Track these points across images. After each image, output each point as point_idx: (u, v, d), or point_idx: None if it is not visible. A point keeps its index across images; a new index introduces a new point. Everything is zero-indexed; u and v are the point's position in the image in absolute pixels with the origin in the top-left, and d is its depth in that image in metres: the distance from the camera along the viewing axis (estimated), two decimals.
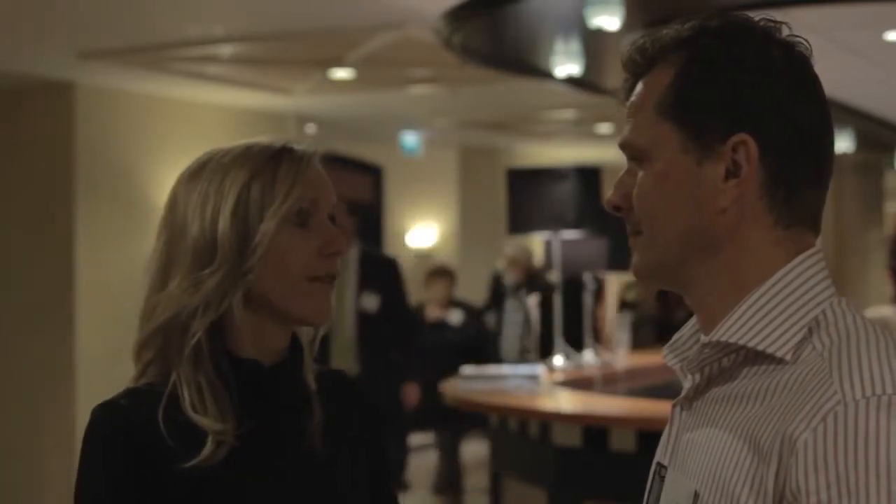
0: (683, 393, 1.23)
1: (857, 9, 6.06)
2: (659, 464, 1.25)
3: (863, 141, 11.04)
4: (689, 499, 1.15)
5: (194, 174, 1.48)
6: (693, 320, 1.26)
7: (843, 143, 10.84)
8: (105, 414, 1.43)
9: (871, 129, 10.60)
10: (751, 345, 1.14)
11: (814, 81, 1.19)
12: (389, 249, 12.66)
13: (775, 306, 1.14)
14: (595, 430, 4.52)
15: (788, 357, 1.12)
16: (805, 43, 1.19)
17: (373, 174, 12.14)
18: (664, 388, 6.35)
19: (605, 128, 11.25)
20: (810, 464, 1.02)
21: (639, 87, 1.22)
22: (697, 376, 1.20)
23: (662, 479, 1.24)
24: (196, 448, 1.39)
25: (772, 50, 1.17)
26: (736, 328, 1.15)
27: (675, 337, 1.28)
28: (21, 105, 8.17)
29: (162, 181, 8.01)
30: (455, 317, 8.25)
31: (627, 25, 5.65)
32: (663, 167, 1.18)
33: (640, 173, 1.20)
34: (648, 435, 4.38)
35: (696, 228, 1.17)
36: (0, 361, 8.06)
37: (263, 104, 9.10)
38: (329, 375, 1.58)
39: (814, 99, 1.18)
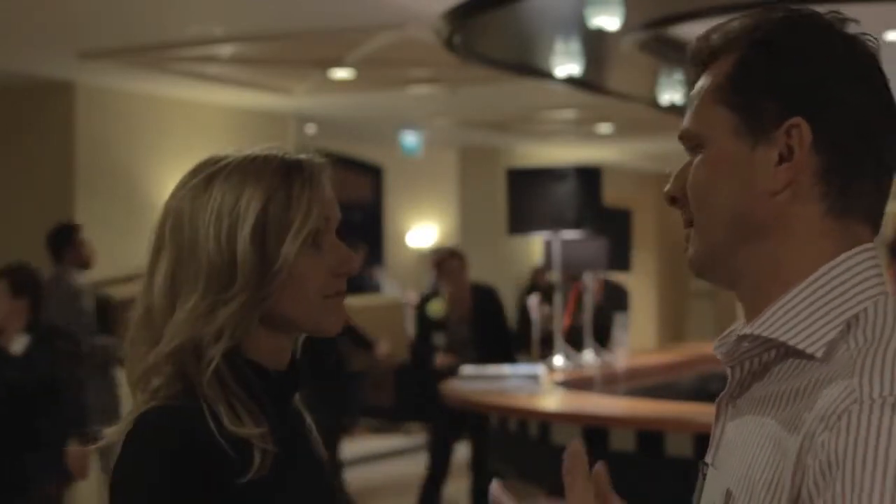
0: (727, 388, 1.21)
1: (857, 9, 6.05)
2: (703, 461, 1.25)
3: None
4: (722, 497, 1.15)
5: (201, 190, 1.44)
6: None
7: None
8: (159, 425, 1.37)
9: None
10: (782, 339, 1.12)
11: (877, 75, 1.17)
12: (390, 249, 12.68)
13: (815, 301, 1.12)
14: (595, 430, 4.52)
15: (819, 354, 1.09)
16: (872, 39, 1.18)
17: (372, 174, 12.16)
18: (664, 388, 6.35)
19: (605, 128, 11.26)
20: (825, 462, 1.02)
21: (701, 78, 1.21)
22: (738, 371, 1.19)
23: (705, 476, 1.23)
24: (247, 460, 1.37)
25: (834, 40, 1.16)
26: (771, 322, 1.13)
27: (728, 330, 1.26)
28: (21, 105, 8.17)
29: (162, 181, 8.02)
30: (19, 344, 5.16)
31: (627, 25, 5.66)
32: (716, 152, 1.17)
33: (695, 161, 1.19)
34: (648, 435, 4.38)
35: (744, 213, 1.15)
36: None
37: (263, 104, 9.10)
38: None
39: (875, 91, 1.16)
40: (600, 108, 9.45)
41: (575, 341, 6.54)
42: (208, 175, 1.45)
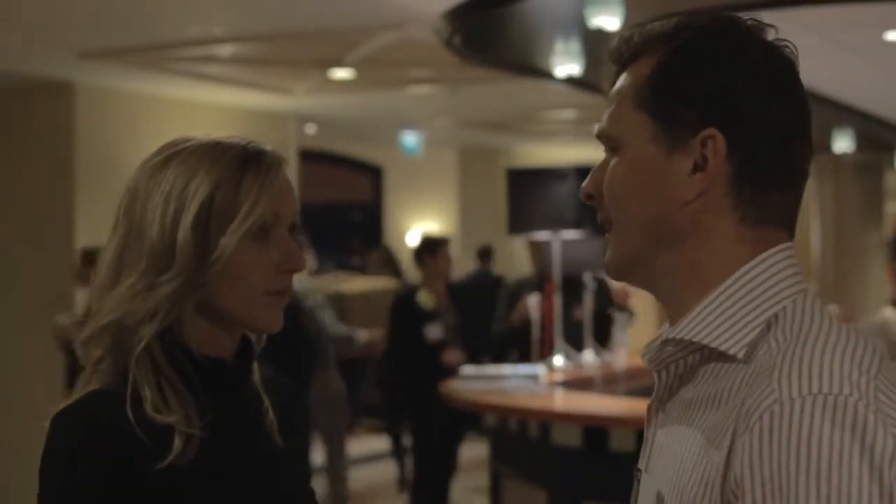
0: (655, 393, 1.23)
1: (857, 9, 6.06)
2: (636, 467, 1.25)
3: (863, 141, 11.04)
4: (654, 499, 1.15)
5: (158, 169, 1.44)
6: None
7: (843, 143, 10.85)
8: (73, 419, 1.39)
9: (871, 129, 10.60)
10: (705, 342, 1.13)
11: (793, 85, 1.18)
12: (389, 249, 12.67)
13: (735, 303, 1.13)
14: (595, 430, 4.52)
15: (741, 355, 1.11)
16: (791, 47, 1.19)
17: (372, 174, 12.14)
18: None
19: None
20: (746, 463, 1.02)
21: (621, 78, 1.23)
22: (664, 375, 1.20)
23: (639, 481, 1.24)
24: (166, 446, 1.37)
25: (752, 49, 1.17)
26: (693, 325, 1.14)
27: (654, 336, 1.27)
28: (21, 105, 8.17)
29: None
30: None
31: (627, 25, 5.65)
32: (633, 156, 1.18)
33: (612, 162, 1.21)
34: None
35: (658, 219, 1.17)
36: (0, 361, 8.06)
37: (263, 104, 9.10)
38: (268, 376, 1.59)
39: (790, 102, 1.17)
40: (600, 108, 9.39)
41: (574, 341, 6.54)
42: (168, 155, 1.45)
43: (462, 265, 12.29)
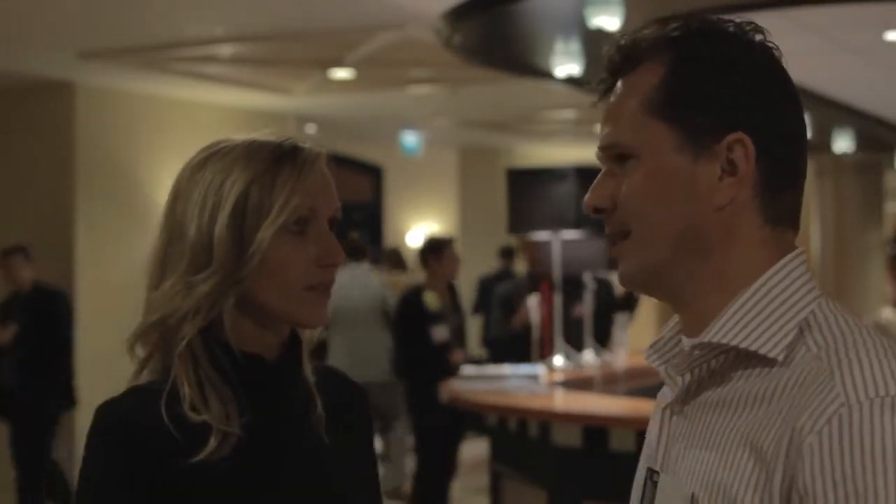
0: (673, 396, 1.22)
1: (857, 9, 6.06)
2: (650, 469, 1.24)
3: (863, 141, 11.04)
4: (686, 502, 1.15)
5: (197, 169, 1.46)
6: (673, 320, 1.25)
7: (843, 143, 10.85)
8: (107, 413, 1.42)
9: (871, 129, 10.61)
10: (743, 345, 1.13)
11: (791, 84, 1.20)
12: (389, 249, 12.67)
13: (766, 306, 1.14)
14: (595, 430, 4.52)
15: (780, 357, 1.11)
16: (776, 47, 1.20)
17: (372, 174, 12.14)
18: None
19: None
20: (816, 467, 1.02)
21: (620, 86, 1.21)
22: (687, 378, 1.19)
23: (655, 484, 1.23)
24: (201, 443, 1.39)
25: (756, 50, 1.18)
26: (727, 328, 1.14)
27: (657, 337, 1.27)
28: (21, 105, 8.18)
29: (161, 181, 8.02)
30: None
31: (627, 25, 5.66)
32: (655, 166, 1.17)
33: (628, 174, 1.18)
34: None
35: (691, 226, 1.16)
36: None
37: (263, 104, 9.11)
38: (324, 371, 1.58)
39: (792, 101, 1.19)
40: (600, 109, 9.45)
41: (574, 341, 6.54)
42: (206, 156, 1.47)
43: (462, 265, 12.30)
